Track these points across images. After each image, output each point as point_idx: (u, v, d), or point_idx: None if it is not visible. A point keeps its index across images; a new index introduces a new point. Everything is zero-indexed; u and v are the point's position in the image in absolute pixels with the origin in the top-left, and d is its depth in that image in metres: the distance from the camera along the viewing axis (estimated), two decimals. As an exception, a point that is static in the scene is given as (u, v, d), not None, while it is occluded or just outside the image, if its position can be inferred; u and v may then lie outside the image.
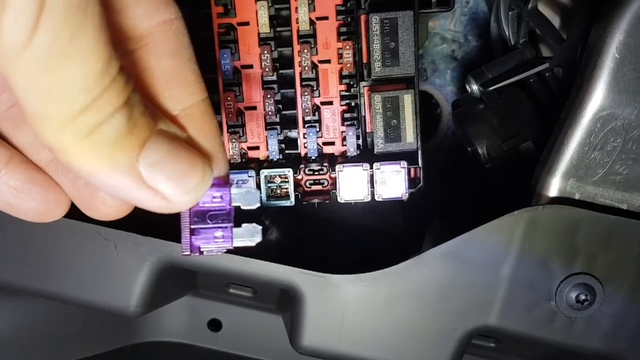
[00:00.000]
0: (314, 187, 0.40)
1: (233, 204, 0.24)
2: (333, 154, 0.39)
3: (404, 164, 0.36)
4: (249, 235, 0.24)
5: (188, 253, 0.24)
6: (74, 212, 0.28)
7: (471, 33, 0.51)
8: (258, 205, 0.25)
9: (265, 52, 0.37)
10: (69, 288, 0.31)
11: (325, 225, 0.51)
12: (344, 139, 0.39)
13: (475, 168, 0.39)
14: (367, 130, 0.38)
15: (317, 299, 0.31)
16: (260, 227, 0.25)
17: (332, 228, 0.51)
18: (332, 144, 0.39)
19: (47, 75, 0.18)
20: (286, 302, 0.39)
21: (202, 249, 0.24)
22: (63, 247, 0.31)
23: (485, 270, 0.30)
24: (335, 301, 0.31)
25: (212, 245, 0.24)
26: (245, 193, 0.24)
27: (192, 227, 0.24)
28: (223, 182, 0.24)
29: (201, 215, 0.24)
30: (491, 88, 0.37)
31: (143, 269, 0.31)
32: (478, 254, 0.30)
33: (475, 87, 0.38)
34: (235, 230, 0.24)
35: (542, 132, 0.37)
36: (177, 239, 0.33)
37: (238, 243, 0.24)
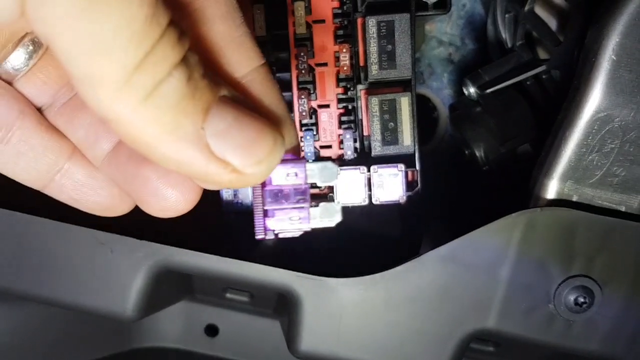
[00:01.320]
0: (311, 191, 0.39)
1: (309, 181, 0.22)
2: (330, 157, 0.39)
3: (402, 167, 0.36)
4: (328, 215, 0.23)
5: (263, 236, 0.22)
6: (69, 215, 0.28)
7: (468, 36, 0.51)
8: (336, 180, 0.23)
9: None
10: (64, 292, 0.31)
11: (323, 228, 0.50)
12: (341, 142, 0.39)
13: (472, 171, 0.39)
14: (365, 134, 0.38)
15: (314, 303, 0.31)
16: (339, 207, 0.23)
17: (329, 232, 0.51)
18: (329, 147, 0.39)
19: (88, 21, 0.16)
20: (283, 307, 0.38)
21: (276, 232, 0.22)
22: (58, 251, 0.31)
23: (483, 272, 0.30)
24: (332, 305, 0.31)
25: (288, 227, 0.22)
26: (323, 168, 0.23)
27: (266, 208, 0.22)
28: (296, 157, 0.22)
29: (275, 195, 0.22)
30: (488, 90, 0.37)
31: (139, 273, 0.31)
32: (476, 257, 0.30)
33: (472, 90, 0.38)
34: (312, 210, 0.22)
35: (540, 135, 0.37)
36: (174, 242, 0.33)
37: (316, 224, 0.23)
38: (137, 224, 0.36)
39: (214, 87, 0.19)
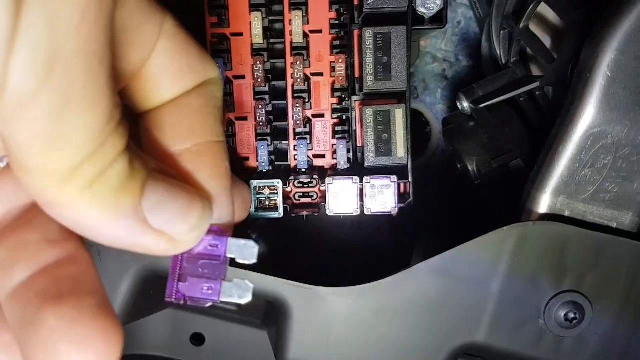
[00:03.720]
0: (303, 200, 0.39)
1: (228, 255, 0.23)
2: (323, 166, 0.39)
3: (394, 178, 0.36)
4: (239, 292, 0.23)
5: (171, 300, 0.23)
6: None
7: (462, 53, 0.51)
8: (254, 261, 0.24)
9: (258, 63, 0.37)
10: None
11: (313, 239, 0.50)
12: (334, 152, 0.39)
13: (465, 185, 0.39)
14: (358, 144, 0.38)
15: (304, 312, 0.31)
16: (252, 286, 0.23)
17: (320, 242, 0.50)
18: (323, 156, 0.39)
19: (55, 124, 0.16)
20: (272, 317, 0.38)
21: (187, 298, 0.23)
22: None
23: (474, 286, 0.30)
24: (322, 315, 0.31)
25: (198, 296, 0.22)
26: (243, 246, 0.23)
27: (181, 272, 0.22)
28: (221, 231, 0.23)
29: (193, 262, 0.23)
30: (482, 105, 0.38)
31: (126, 277, 0.31)
32: (467, 270, 0.30)
33: (466, 104, 0.39)
34: (225, 284, 0.23)
35: (532, 151, 0.37)
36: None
37: (225, 299, 0.23)
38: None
39: (146, 162, 0.20)
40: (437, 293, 0.30)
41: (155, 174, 0.20)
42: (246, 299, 0.23)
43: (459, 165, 0.39)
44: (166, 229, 0.20)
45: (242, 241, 0.23)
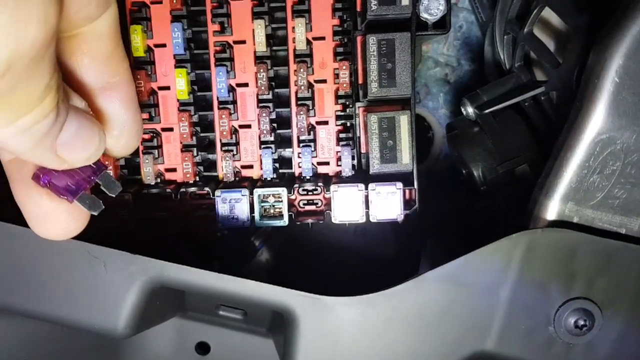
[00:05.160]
0: (308, 207, 0.39)
1: (98, 180, 0.29)
2: (327, 174, 0.39)
3: (400, 185, 0.36)
4: (91, 204, 0.29)
5: (38, 176, 0.27)
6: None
7: (464, 57, 0.51)
8: (112, 194, 0.30)
9: (261, 70, 0.37)
10: (55, 308, 0.30)
11: (318, 247, 0.50)
12: (338, 159, 0.38)
13: (469, 191, 0.38)
14: (362, 151, 0.38)
15: (311, 322, 0.30)
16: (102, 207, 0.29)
17: (325, 250, 0.50)
18: (327, 163, 0.39)
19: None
20: (278, 325, 0.38)
21: (50, 183, 0.27)
22: (50, 265, 0.30)
23: (483, 293, 0.30)
24: (330, 324, 0.30)
25: (61, 185, 0.28)
26: (112, 182, 0.30)
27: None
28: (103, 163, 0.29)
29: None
30: (487, 111, 0.37)
31: (133, 289, 0.30)
32: (476, 277, 0.30)
33: (470, 110, 0.38)
34: (84, 194, 0.28)
35: (538, 156, 0.37)
36: (168, 257, 0.32)
37: (77, 202, 0.28)
38: (130, 238, 0.35)
39: (68, 99, 0.26)
40: (446, 301, 0.30)
41: (73, 109, 0.26)
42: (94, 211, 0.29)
43: (463, 171, 0.39)
44: (67, 157, 0.26)
45: (113, 179, 0.30)
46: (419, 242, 0.38)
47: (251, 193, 0.37)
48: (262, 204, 0.37)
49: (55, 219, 0.28)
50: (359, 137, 0.38)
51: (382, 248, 0.49)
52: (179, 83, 0.37)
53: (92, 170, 0.29)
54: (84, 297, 0.30)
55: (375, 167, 0.36)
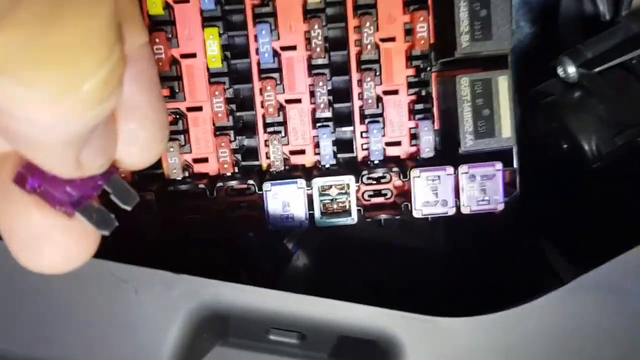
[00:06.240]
0: (375, 200, 0.31)
1: (107, 188, 0.20)
2: (399, 156, 0.31)
3: (499, 165, 0.28)
4: (99, 219, 0.20)
5: (21, 174, 0.19)
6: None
7: (523, 18, 0.44)
8: (128, 208, 0.21)
9: (316, 27, 0.29)
10: (73, 353, 0.21)
11: (360, 246, 0.42)
12: (412, 137, 0.31)
13: (576, 169, 0.31)
14: (435, 127, 0.30)
15: (422, 350, 0.22)
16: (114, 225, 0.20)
17: (369, 249, 0.42)
18: (398, 144, 0.31)
19: None
20: (344, 349, 0.30)
21: (41, 187, 0.19)
22: (61, 296, 0.22)
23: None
24: (447, 352, 0.22)
25: (55, 194, 0.19)
26: (124, 190, 0.21)
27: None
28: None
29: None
30: (596, 69, 0.30)
31: (176, 320, 0.22)
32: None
33: (572, 70, 0.31)
34: (90, 204, 0.19)
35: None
36: (221, 274, 0.24)
37: (81, 217, 0.19)
38: (167, 251, 0.27)
39: None
40: (604, 314, 0.22)
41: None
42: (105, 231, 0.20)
43: (565, 146, 0.31)
44: (89, 163, 0.18)
45: (127, 185, 0.21)
46: (526, 237, 0.30)
47: (308, 184, 0.29)
48: (322, 199, 0.29)
49: (49, 241, 0.19)
50: (432, 111, 0.30)
51: (433, 243, 0.41)
52: (210, 47, 0.29)
53: (99, 174, 0.20)
54: (109, 337, 0.22)
55: (469, 143, 0.28)
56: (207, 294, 0.22)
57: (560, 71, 0.32)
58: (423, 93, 0.30)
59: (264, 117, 0.30)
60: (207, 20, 0.29)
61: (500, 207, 0.29)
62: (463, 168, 0.29)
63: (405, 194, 0.30)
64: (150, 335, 0.22)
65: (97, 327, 0.22)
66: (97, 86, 0.16)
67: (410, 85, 0.30)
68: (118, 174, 0.21)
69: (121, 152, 0.21)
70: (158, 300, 0.22)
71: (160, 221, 0.28)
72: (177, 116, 0.30)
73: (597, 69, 0.30)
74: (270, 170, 0.30)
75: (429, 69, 0.30)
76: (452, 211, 0.29)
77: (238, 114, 0.30)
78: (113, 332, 0.22)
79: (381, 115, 0.30)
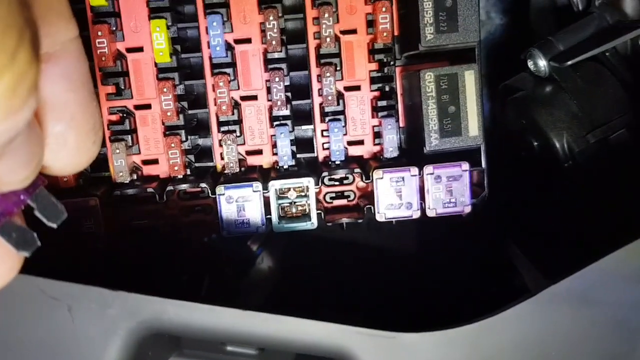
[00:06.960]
0: (337, 202, 0.30)
1: (30, 202, 0.18)
2: (361, 156, 0.29)
3: (466, 165, 0.27)
4: (19, 238, 0.18)
5: None
6: None
7: (494, 9, 0.42)
8: (53, 225, 0.19)
9: (271, 18, 0.27)
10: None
11: (325, 247, 0.40)
12: (375, 135, 0.29)
13: (546, 168, 0.30)
14: (400, 125, 0.29)
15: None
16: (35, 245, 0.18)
17: (335, 250, 0.41)
18: (361, 142, 0.29)
19: None
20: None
21: None
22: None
23: (625, 315, 0.21)
24: (408, 370, 0.21)
25: None
26: (51, 203, 0.19)
27: None
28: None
29: None
30: (569, 63, 0.29)
31: (115, 341, 0.20)
32: (614, 292, 0.21)
33: (542, 63, 0.29)
34: (10, 221, 0.18)
35: (636, 116, 0.29)
36: (165, 290, 0.22)
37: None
38: (106, 266, 0.25)
39: None
40: (576, 326, 0.21)
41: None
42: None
43: (535, 144, 0.30)
44: (5, 177, 0.17)
45: (54, 200, 0.19)
46: (495, 241, 0.29)
47: (265, 187, 0.27)
48: (280, 202, 0.27)
49: None
50: (397, 108, 0.29)
51: (400, 244, 0.40)
52: (157, 40, 0.27)
53: (22, 188, 0.18)
54: (40, 361, 0.20)
55: (434, 142, 0.27)
56: (148, 312, 0.20)
57: (530, 64, 0.30)
58: (387, 89, 0.29)
59: (218, 114, 0.28)
60: (155, 12, 0.27)
61: (468, 209, 0.27)
62: (428, 169, 0.27)
63: (368, 196, 0.28)
64: (85, 358, 0.20)
65: (27, 350, 0.20)
66: (1, 98, 0.14)
67: (373, 80, 0.29)
68: (44, 187, 0.19)
69: (49, 157, 0.19)
70: (94, 319, 0.20)
71: (105, 229, 0.26)
72: (124, 115, 0.28)
73: (570, 62, 0.28)
74: (225, 172, 0.28)
75: (392, 63, 0.28)
76: (417, 214, 0.27)
77: (190, 112, 0.28)
78: (44, 356, 0.20)
79: (342, 112, 0.28)
